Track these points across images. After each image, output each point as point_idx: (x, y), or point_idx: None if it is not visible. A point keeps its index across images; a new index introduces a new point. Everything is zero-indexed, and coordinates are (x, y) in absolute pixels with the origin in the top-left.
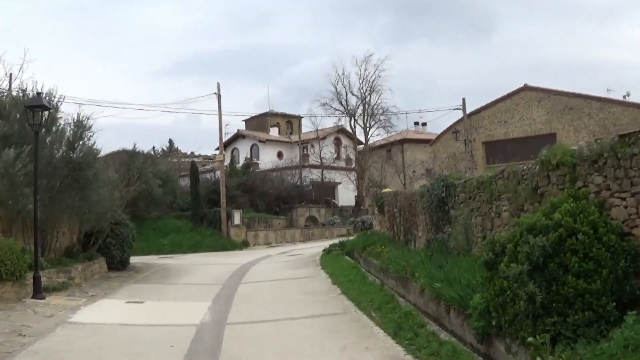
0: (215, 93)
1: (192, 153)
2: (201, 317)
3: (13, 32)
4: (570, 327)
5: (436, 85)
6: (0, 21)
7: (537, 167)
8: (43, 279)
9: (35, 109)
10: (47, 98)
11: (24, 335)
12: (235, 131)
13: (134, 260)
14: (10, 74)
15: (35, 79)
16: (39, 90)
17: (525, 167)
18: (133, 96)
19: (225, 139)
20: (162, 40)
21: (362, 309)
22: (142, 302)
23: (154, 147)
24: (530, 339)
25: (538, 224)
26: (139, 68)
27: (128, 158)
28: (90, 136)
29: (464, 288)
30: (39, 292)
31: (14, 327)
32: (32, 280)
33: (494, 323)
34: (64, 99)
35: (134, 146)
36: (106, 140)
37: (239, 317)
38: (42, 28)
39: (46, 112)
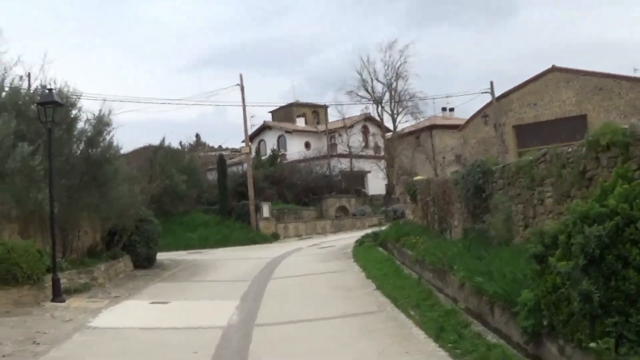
0: (238, 84)
1: (219, 146)
2: (228, 318)
3: (34, 31)
4: (634, 328)
5: (459, 70)
6: (21, 21)
7: (584, 148)
8: (63, 280)
9: (47, 106)
10: (64, 95)
11: (38, 343)
12: (262, 123)
13: (161, 256)
14: (29, 74)
15: (55, 78)
16: (50, 87)
17: (570, 150)
18: (157, 92)
19: (251, 131)
20: (184, 35)
21: (398, 306)
22: (167, 303)
23: (181, 142)
24: (592, 344)
25: (592, 212)
26: (162, 64)
27: (152, 154)
28: (110, 132)
29: (509, 282)
30: (58, 294)
31: (29, 333)
32: (51, 283)
33: (545, 322)
34: (81, 95)
35: (162, 141)
36: (134, 136)
37: (268, 317)
38: (64, 25)
39: (58, 109)
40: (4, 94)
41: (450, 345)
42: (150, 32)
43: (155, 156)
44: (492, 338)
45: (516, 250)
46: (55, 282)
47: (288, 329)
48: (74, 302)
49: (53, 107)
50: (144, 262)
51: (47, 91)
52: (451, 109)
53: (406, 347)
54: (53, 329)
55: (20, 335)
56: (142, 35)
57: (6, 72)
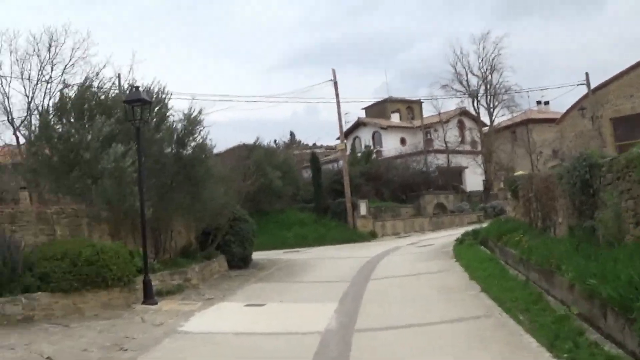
0: (331, 80)
1: (313, 144)
2: (326, 323)
3: (123, 34)
4: None
5: (551, 63)
6: (110, 24)
7: None
8: (155, 282)
9: (134, 104)
10: (152, 93)
11: (126, 350)
12: (355, 119)
13: (257, 256)
14: (119, 74)
15: (144, 77)
16: (137, 84)
17: None
18: (248, 92)
19: (345, 127)
20: (274, 34)
21: (507, 310)
22: (262, 305)
23: (275, 140)
24: None
25: None
26: (252, 63)
27: (246, 152)
28: (201, 131)
29: (625, 285)
30: (150, 297)
31: (117, 339)
32: (142, 285)
33: None
34: (170, 93)
35: (256, 140)
36: (228, 136)
37: (368, 321)
38: (155, 29)
39: (146, 106)
40: (94, 95)
41: (565, 355)
42: (240, 32)
43: (250, 155)
44: (609, 347)
45: (629, 250)
46: (147, 284)
47: (390, 336)
48: (165, 305)
49: (140, 104)
50: (239, 262)
51: (134, 89)
52: (546, 103)
53: (518, 358)
54: (142, 334)
55: (108, 340)
56: (232, 36)
57: (96, 75)
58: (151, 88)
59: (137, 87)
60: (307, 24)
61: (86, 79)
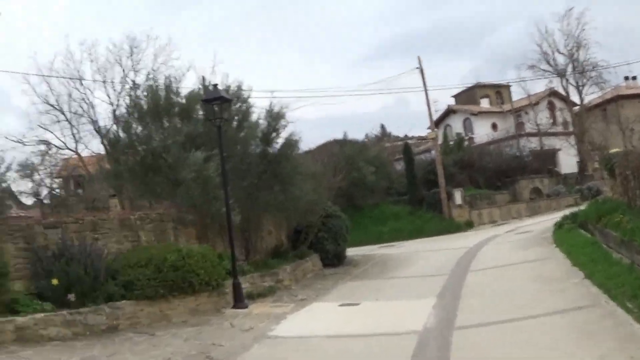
0: (417, 67)
1: (405, 136)
2: (424, 321)
3: (205, 36)
4: None
5: (634, 36)
6: (195, 30)
7: None
8: (246, 284)
9: (214, 102)
10: (231, 90)
11: (212, 358)
12: (445, 107)
13: (352, 252)
14: (203, 77)
15: (227, 79)
16: (215, 82)
17: None
18: (336, 87)
19: (435, 116)
20: (356, 28)
21: (613, 298)
22: (357, 304)
23: (366, 134)
24: None
25: None
26: (337, 58)
27: (337, 148)
28: (286, 126)
29: None
30: (240, 300)
31: (203, 346)
32: (231, 288)
33: None
34: (250, 91)
35: (345, 134)
36: (318, 133)
37: (468, 318)
38: (239, 31)
39: (226, 105)
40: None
41: None
42: (322, 26)
43: (341, 150)
44: None
45: None
46: (236, 287)
47: (492, 332)
48: (256, 308)
49: (220, 103)
50: (333, 260)
51: (212, 87)
52: (633, 78)
53: (630, 351)
54: (230, 340)
55: (194, 348)
56: (315, 32)
57: (179, 79)
58: (231, 86)
59: (216, 85)
60: (390, 15)
61: (167, 79)
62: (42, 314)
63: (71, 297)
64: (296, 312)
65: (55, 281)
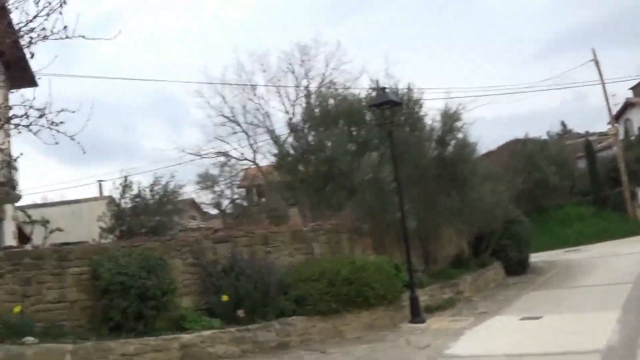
0: (592, 60)
1: (585, 132)
2: (607, 337)
3: (376, 43)
4: None
5: None
6: (362, 34)
7: None
8: (424, 297)
9: (383, 106)
10: (401, 93)
11: None
12: (624, 100)
13: (536, 258)
14: (377, 81)
15: (398, 81)
16: (383, 86)
17: None
18: (510, 85)
19: (613, 110)
20: (525, 23)
21: None
22: (538, 318)
23: (548, 132)
24: None
25: None
26: (508, 56)
27: (518, 147)
28: (462, 127)
29: None
30: (417, 315)
31: None
32: (409, 302)
33: None
34: (423, 92)
35: (526, 134)
36: (494, 133)
37: None
38: (403, 34)
39: (396, 108)
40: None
41: None
42: (490, 25)
43: (522, 150)
44: None
45: None
46: (414, 301)
47: None
48: (434, 323)
49: (390, 107)
50: (517, 268)
51: (381, 91)
52: None
53: None
54: None
55: None
56: (483, 31)
57: (351, 84)
58: (401, 89)
59: (384, 89)
60: (556, 9)
61: (334, 86)
62: (210, 331)
63: (240, 312)
64: (475, 328)
65: (225, 297)
